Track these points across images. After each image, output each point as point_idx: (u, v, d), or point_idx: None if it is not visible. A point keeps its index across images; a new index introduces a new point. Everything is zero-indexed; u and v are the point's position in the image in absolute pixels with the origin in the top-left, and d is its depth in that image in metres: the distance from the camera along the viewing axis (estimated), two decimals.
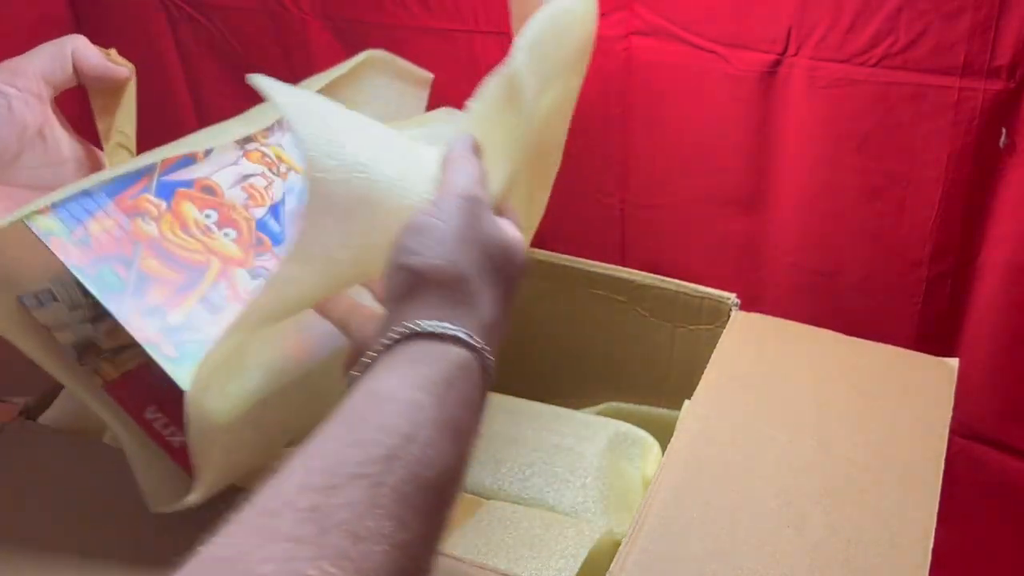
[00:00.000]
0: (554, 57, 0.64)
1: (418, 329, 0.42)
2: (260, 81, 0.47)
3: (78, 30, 1.07)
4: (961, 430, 0.86)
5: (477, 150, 0.52)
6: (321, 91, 0.76)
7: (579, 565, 0.64)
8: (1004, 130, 0.77)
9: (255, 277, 0.63)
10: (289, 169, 0.70)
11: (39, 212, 0.58)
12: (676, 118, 0.88)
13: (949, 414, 0.69)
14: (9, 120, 0.61)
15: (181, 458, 0.61)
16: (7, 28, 1.00)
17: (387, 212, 0.48)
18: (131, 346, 0.64)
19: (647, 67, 0.86)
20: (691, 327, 0.84)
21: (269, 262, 0.65)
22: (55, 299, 0.65)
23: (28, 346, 0.63)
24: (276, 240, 0.66)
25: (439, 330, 0.42)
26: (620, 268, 0.86)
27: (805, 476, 0.64)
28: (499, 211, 0.51)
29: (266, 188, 0.68)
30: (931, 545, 0.58)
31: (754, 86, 0.83)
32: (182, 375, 0.56)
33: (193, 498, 0.56)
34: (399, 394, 0.39)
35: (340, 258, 0.48)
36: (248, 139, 0.70)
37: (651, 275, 0.84)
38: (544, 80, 0.61)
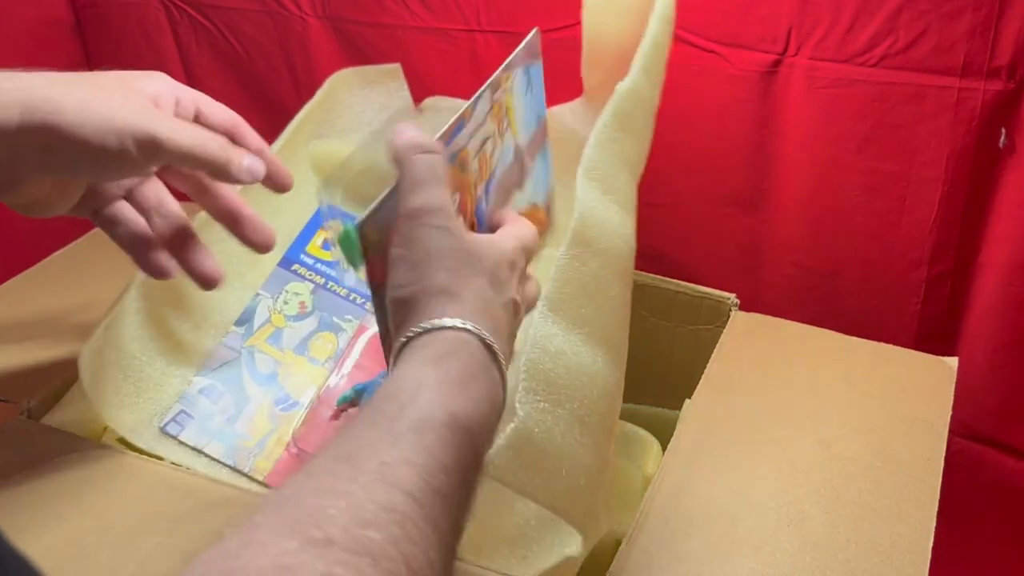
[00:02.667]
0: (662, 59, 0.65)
1: (411, 335, 0.48)
2: None
3: (79, 31, 1.08)
4: (960, 430, 0.86)
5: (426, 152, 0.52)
6: (300, 124, 0.77)
7: (579, 564, 0.64)
8: (1004, 130, 0.77)
9: None
10: (508, 127, 0.62)
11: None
12: (676, 118, 0.88)
13: (948, 414, 0.69)
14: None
15: None
16: (7, 29, 1.00)
17: None
18: (270, 432, 0.71)
19: None
20: (691, 327, 0.84)
21: None
22: (192, 418, 0.70)
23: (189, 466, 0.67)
24: (481, 223, 0.59)
25: (427, 327, 0.48)
26: None
27: (805, 476, 0.64)
28: (494, 221, 0.54)
29: (491, 155, 0.61)
30: (930, 545, 0.58)
31: (754, 86, 0.83)
32: None
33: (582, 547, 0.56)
34: (406, 371, 0.46)
35: None
36: (496, 84, 0.61)
37: (651, 275, 0.84)
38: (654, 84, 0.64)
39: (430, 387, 0.45)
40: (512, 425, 0.46)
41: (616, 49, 0.61)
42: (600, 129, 0.56)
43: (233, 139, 0.59)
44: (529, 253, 0.52)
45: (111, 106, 0.52)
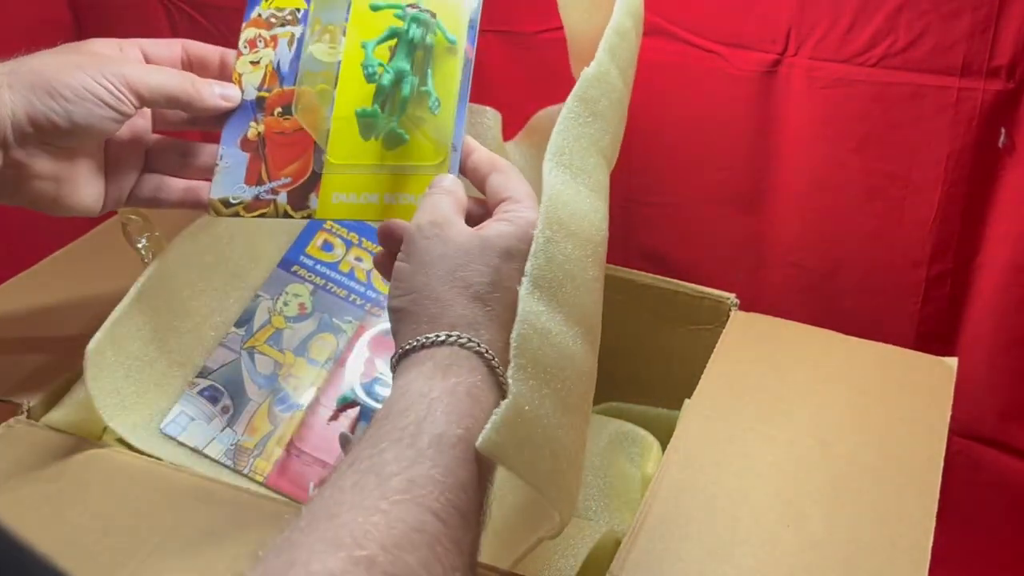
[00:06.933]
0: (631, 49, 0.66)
1: (407, 347, 0.50)
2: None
3: (78, 32, 1.08)
4: (960, 430, 0.86)
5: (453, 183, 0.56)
6: None
7: (580, 564, 0.64)
8: (1003, 130, 0.77)
9: None
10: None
11: None
12: (676, 118, 0.88)
13: (948, 414, 0.69)
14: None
15: None
16: (6, 29, 1.00)
17: None
18: (270, 433, 0.71)
19: (647, 67, 0.86)
20: (691, 327, 0.84)
21: None
22: (192, 419, 0.70)
23: (188, 466, 0.67)
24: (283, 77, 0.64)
25: (423, 341, 0.49)
26: (620, 268, 0.86)
27: (805, 476, 0.64)
28: (495, 201, 0.56)
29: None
30: (930, 544, 0.58)
31: (754, 86, 0.83)
32: None
33: (558, 527, 0.55)
34: (412, 384, 0.47)
35: None
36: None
37: (651, 275, 0.84)
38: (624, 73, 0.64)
39: (441, 400, 0.46)
40: (505, 401, 0.46)
41: (593, 43, 0.62)
42: (566, 114, 0.56)
43: (192, 70, 0.62)
44: (528, 238, 0.53)
45: (78, 61, 0.56)
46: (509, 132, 0.83)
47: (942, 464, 0.64)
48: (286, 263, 0.79)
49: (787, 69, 0.81)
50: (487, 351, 0.49)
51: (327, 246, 0.80)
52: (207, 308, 0.75)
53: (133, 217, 0.76)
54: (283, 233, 0.81)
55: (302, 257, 0.80)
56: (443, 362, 0.48)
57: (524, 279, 0.49)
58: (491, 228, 0.53)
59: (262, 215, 0.60)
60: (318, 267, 0.79)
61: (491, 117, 0.80)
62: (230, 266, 0.77)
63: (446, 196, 0.55)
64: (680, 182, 0.92)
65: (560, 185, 0.53)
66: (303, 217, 0.60)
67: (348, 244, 0.81)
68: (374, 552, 0.39)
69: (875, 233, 0.85)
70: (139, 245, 0.77)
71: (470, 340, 0.49)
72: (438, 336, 0.49)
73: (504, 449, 0.46)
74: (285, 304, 0.77)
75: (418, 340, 0.49)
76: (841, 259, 0.88)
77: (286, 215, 0.60)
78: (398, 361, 0.50)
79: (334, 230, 0.81)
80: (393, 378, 0.50)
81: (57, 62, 0.56)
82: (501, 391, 0.49)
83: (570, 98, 0.57)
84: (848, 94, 0.80)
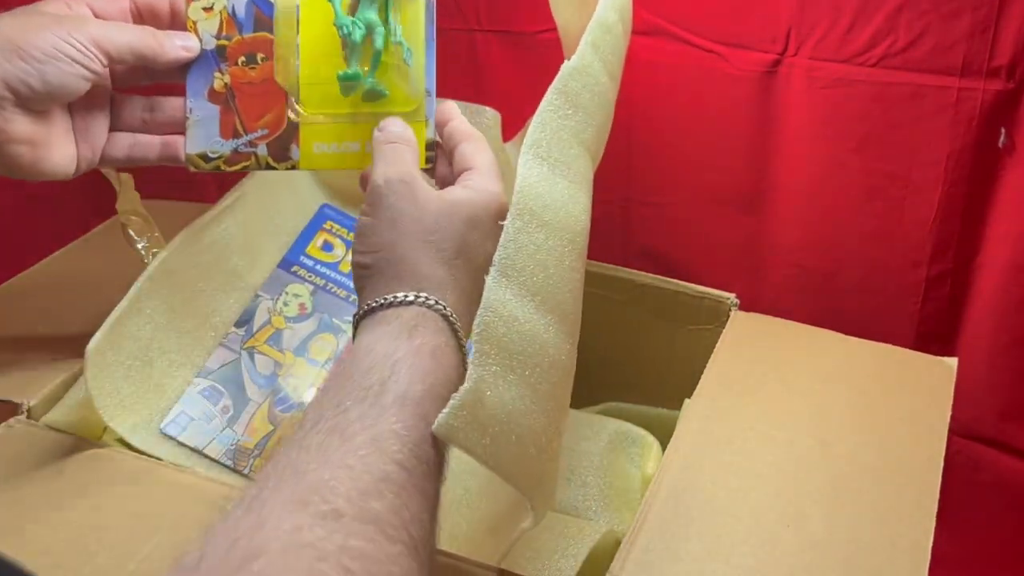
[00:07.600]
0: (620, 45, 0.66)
1: (374, 305, 0.50)
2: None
3: None
4: (960, 430, 0.86)
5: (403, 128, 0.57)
6: None
7: (580, 564, 0.64)
8: (1003, 130, 0.77)
9: None
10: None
11: None
12: (676, 118, 0.88)
13: (948, 414, 0.69)
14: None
15: None
16: None
17: None
18: (270, 433, 0.72)
19: (647, 67, 0.86)
20: (691, 327, 0.84)
21: None
22: (192, 419, 0.70)
23: (188, 466, 0.67)
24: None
25: (390, 300, 0.50)
26: (620, 268, 0.86)
27: (805, 476, 0.64)
28: (459, 170, 0.57)
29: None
30: (930, 545, 0.58)
31: (754, 86, 0.83)
32: None
33: (531, 523, 0.56)
34: (375, 345, 0.48)
35: None
36: None
37: (651, 275, 0.84)
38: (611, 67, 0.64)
39: (405, 361, 0.47)
40: (465, 386, 0.46)
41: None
42: (544, 107, 0.56)
43: (143, 19, 0.61)
44: (489, 208, 0.54)
45: (41, 22, 0.56)
46: (509, 132, 0.82)
47: (942, 464, 0.64)
48: (286, 263, 0.79)
49: (787, 69, 0.81)
50: (452, 314, 0.50)
51: (327, 246, 0.80)
52: (207, 308, 0.75)
53: (133, 217, 0.76)
54: (283, 233, 0.81)
55: (302, 257, 0.80)
56: (409, 322, 0.49)
57: (492, 268, 0.50)
58: (456, 193, 0.54)
59: (244, 168, 0.60)
60: (318, 267, 0.79)
61: (491, 117, 0.80)
62: (230, 266, 0.77)
63: (406, 146, 0.55)
64: (680, 182, 0.92)
65: (533, 177, 0.53)
66: (287, 168, 0.60)
67: (348, 244, 0.81)
68: (340, 505, 0.40)
69: (875, 233, 0.85)
70: (139, 245, 0.77)
71: (437, 302, 0.50)
72: (406, 296, 0.50)
73: (463, 433, 0.46)
74: (285, 304, 0.77)
75: (385, 299, 0.50)
76: (841, 259, 0.88)
77: (268, 167, 0.60)
78: (362, 318, 0.51)
79: (334, 230, 0.82)
80: (355, 333, 0.51)
81: (20, 24, 0.56)
82: (462, 354, 0.50)
83: (550, 91, 0.57)
84: (848, 94, 0.80)
